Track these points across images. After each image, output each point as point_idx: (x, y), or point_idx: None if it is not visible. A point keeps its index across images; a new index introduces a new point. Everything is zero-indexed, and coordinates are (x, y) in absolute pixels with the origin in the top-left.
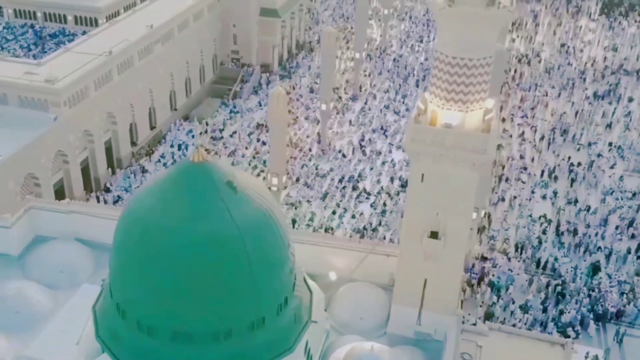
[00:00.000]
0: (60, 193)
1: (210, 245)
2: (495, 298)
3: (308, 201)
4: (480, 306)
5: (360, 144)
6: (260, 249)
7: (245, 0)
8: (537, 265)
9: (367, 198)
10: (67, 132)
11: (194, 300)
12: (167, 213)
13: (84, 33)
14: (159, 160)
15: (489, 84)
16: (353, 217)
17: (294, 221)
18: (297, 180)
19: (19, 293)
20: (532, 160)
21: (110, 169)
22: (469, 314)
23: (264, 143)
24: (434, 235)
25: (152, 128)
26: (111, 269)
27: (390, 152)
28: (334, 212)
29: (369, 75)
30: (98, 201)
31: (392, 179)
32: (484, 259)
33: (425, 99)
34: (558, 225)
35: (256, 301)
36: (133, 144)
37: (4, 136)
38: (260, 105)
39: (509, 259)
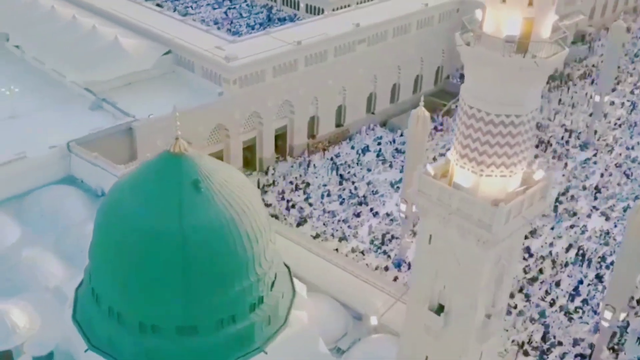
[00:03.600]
0: None
1: (149, 239)
2: None
3: None
4: None
5: (557, 199)
6: (203, 255)
7: None
8: None
9: (524, 259)
10: (232, 109)
11: (126, 286)
12: (127, 199)
13: None
14: (331, 159)
15: (519, 148)
16: None
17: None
18: None
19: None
20: None
21: (280, 155)
22: None
23: None
24: (440, 309)
25: (338, 125)
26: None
27: (589, 216)
28: None
29: (618, 124)
30: (259, 183)
31: (569, 247)
32: None
33: None
34: None
35: (185, 306)
36: (311, 136)
37: (171, 98)
38: None
39: None
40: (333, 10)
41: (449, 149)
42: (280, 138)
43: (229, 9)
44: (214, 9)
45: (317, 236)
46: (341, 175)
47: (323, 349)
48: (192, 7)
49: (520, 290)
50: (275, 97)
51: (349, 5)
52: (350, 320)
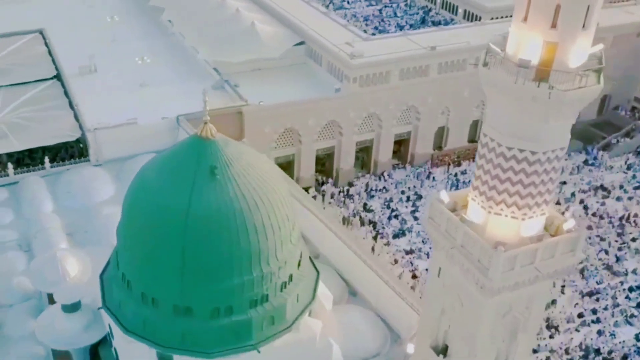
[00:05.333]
0: (327, 158)
1: (157, 215)
2: None
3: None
4: None
5: None
6: (203, 240)
7: None
8: None
9: None
10: (348, 107)
11: (135, 256)
12: (149, 175)
13: None
14: (455, 175)
15: (534, 189)
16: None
17: None
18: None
19: None
20: None
21: (400, 161)
22: None
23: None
24: (444, 350)
25: (472, 141)
26: None
27: None
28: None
29: None
30: (367, 186)
31: None
32: None
33: None
34: None
35: (182, 286)
36: (438, 147)
37: (291, 88)
38: (626, 170)
39: None
40: (491, 19)
41: (595, 186)
42: (402, 144)
43: (385, 7)
44: (370, 5)
45: (410, 252)
46: None
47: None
48: (348, 1)
49: None
50: (398, 101)
51: (510, 16)
52: (389, 342)
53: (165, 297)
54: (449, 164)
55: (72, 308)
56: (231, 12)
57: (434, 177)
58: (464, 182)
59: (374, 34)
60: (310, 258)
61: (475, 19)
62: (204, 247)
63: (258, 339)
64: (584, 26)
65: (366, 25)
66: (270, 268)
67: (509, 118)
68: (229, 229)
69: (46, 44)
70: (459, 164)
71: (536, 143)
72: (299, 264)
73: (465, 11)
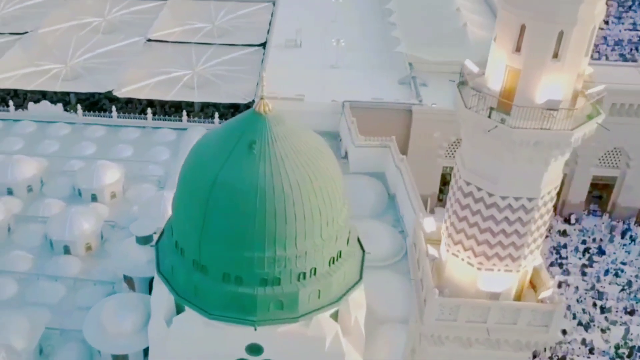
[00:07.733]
0: None
1: (194, 179)
2: None
3: None
4: None
5: None
6: (220, 210)
7: None
8: None
9: None
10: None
11: (175, 211)
12: (203, 141)
13: None
14: None
15: (492, 238)
16: None
17: None
18: None
19: None
20: None
21: (600, 208)
22: None
23: None
24: None
25: None
26: None
27: None
28: None
29: None
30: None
31: None
32: None
33: None
34: None
35: (199, 245)
36: None
37: None
38: None
39: None
40: None
41: None
42: (604, 189)
43: None
44: (633, 29)
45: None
46: None
47: None
48: (608, 21)
49: None
50: (601, 138)
51: None
52: None
53: (188, 251)
54: None
55: (144, 241)
56: (451, 10)
57: (631, 236)
58: None
59: (616, 61)
60: (362, 264)
61: None
62: (222, 214)
63: (260, 317)
64: (556, 56)
65: (612, 50)
66: (285, 253)
67: (469, 150)
68: (247, 204)
69: (272, 14)
70: None
71: (493, 184)
72: (331, 262)
73: None
